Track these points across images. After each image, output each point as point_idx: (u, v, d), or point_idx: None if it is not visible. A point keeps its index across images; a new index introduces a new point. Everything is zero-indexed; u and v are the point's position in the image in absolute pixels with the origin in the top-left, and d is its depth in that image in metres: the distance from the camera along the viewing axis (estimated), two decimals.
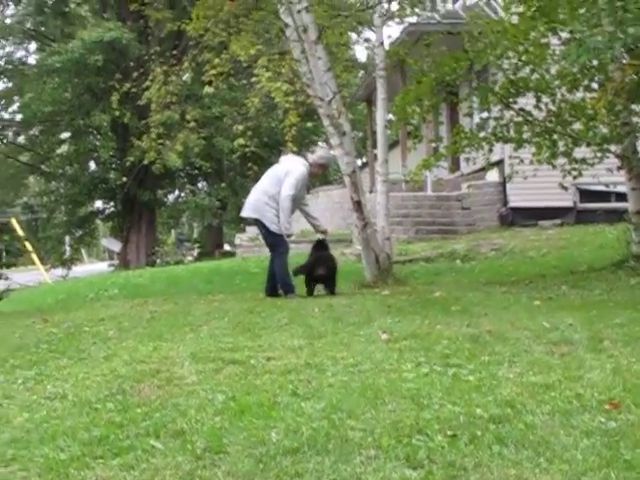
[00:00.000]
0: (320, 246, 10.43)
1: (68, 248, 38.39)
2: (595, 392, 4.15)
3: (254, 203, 10.17)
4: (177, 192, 40.24)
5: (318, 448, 3.47)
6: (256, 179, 13.47)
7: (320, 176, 11.29)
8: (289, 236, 10.29)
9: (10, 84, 33.44)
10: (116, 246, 36.13)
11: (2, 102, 34.09)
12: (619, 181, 13.94)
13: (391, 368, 4.89)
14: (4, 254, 15.69)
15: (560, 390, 4.22)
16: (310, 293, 9.99)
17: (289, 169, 10.10)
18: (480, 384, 4.40)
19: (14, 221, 26.27)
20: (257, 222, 10.25)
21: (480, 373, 4.66)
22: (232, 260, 23.30)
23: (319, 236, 10.57)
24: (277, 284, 10.10)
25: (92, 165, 35.67)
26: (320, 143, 10.86)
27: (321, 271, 10.02)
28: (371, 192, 20.67)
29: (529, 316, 6.84)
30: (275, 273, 10.12)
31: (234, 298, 10.37)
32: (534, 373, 4.62)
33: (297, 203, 10.20)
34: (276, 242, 10.14)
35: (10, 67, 32.87)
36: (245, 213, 10.37)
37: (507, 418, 3.77)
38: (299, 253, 11.45)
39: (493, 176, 19.24)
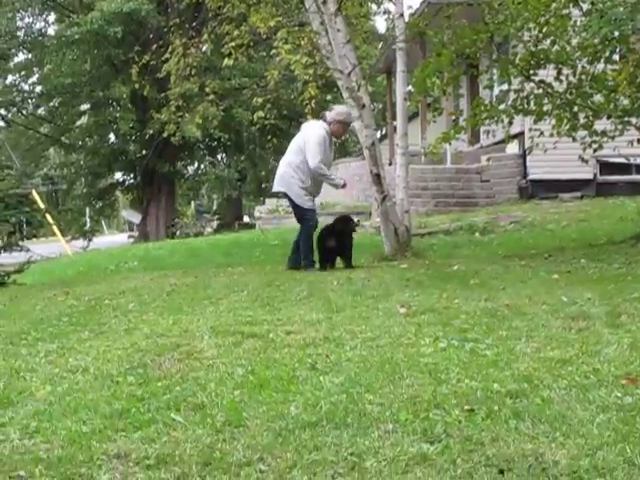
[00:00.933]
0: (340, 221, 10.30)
1: (88, 220, 38.64)
2: (612, 367, 4.17)
3: (281, 176, 10.14)
4: (196, 164, 40.39)
5: (336, 422, 3.51)
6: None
7: (342, 134, 10.88)
8: (343, 186, 10.43)
9: (30, 55, 33.48)
10: (136, 218, 36.38)
11: (22, 74, 34.15)
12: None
13: (409, 342, 4.93)
14: (25, 226, 15.79)
15: (577, 365, 4.24)
16: (323, 267, 9.94)
17: (308, 135, 10.00)
18: (497, 359, 4.42)
19: (35, 193, 26.41)
20: (286, 195, 10.22)
21: (497, 348, 4.68)
22: (251, 232, 23.35)
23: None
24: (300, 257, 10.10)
25: (112, 137, 35.81)
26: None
27: (331, 243, 9.99)
28: (390, 164, 20.63)
29: (547, 290, 6.85)
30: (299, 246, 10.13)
31: (253, 271, 10.41)
32: (551, 348, 4.64)
33: (327, 165, 10.12)
34: (303, 215, 10.11)
35: (29, 38, 32.90)
36: (275, 187, 10.34)
37: (524, 393, 3.79)
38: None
39: (513, 148, 19.15)
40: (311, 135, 9.97)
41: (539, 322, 5.41)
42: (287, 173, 10.03)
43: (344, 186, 10.57)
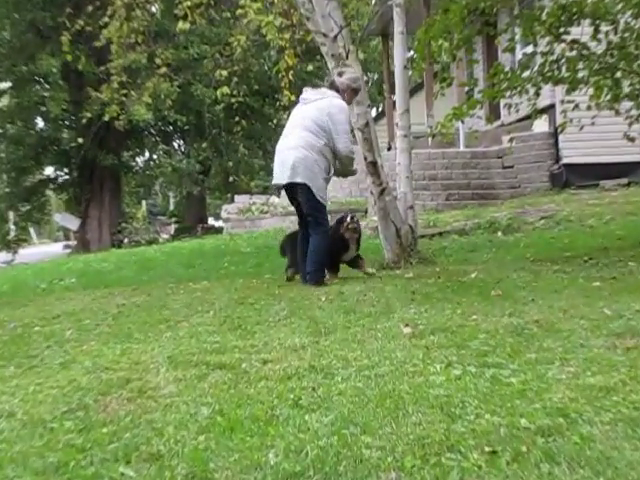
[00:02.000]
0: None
1: (12, 227, 38.53)
2: None
3: (299, 163, 9.63)
4: (147, 154, 40.37)
5: (326, 471, 3.53)
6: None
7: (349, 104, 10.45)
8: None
9: None
10: (73, 223, 36.23)
11: None
12: None
13: (415, 370, 4.95)
14: None
15: (624, 394, 4.27)
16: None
17: (331, 111, 9.66)
18: (525, 388, 4.44)
19: None
20: (297, 188, 9.73)
21: (525, 374, 4.71)
22: (218, 238, 23.39)
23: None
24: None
25: (40, 122, 35.73)
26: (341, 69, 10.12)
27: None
28: (389, 149, 20.72)
29: (586, 301, 6.89)
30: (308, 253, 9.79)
31: (221, 286, 10.43)
32: (592, 373, 4.67)
33: None
34: (321, 217, 9.79)
35: None
36: (285, 178, 9.72)
37: (558, 430, 3.81)
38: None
39: (541, 126, 19.25)
40: (338, 111, 9.68)
41: (576, 341, 5.44)
42: (310, 159, 9.61)
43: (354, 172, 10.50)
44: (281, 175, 9.79)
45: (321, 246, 9.71)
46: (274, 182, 10.16)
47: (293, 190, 9.82)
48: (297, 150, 9.66)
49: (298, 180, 9.63)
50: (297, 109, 10.10)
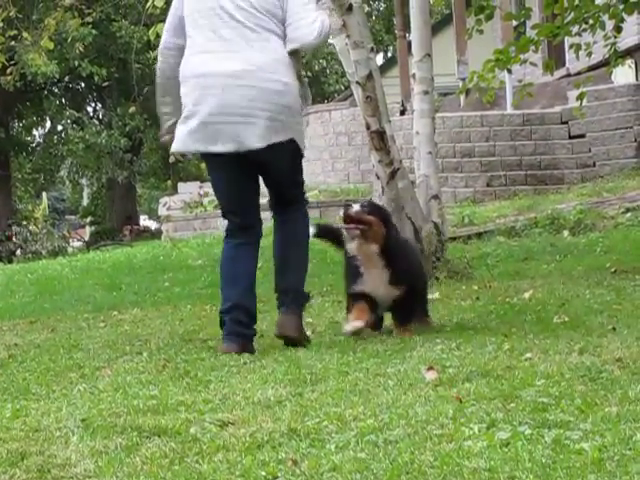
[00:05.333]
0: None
1: None
2: None
3: (284, 102, 7.83)
4: (49, 124, 40.30)
5: None
6: None
7: None
8: None
9: None
10: None
11: None
12: None
13: (443, 433, 4.96)
14: None
15: None
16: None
17: None
18: (602, 457, 4.45)
19: None
20: (269, 153, 7.84)
21: (603, 437, 4.72)
22: (155, 245, 23.42)
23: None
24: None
25: None
26: None
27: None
28: (403, 113, 20.79)
29: None
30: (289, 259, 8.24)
31: (160, 315, 10.48)
32: None
33: None
34: (302, 185, 8.41)
35: None
36: (256, 138, 7.74)
37: None
38: None
39: (625, 76, 19.28)
40: None
41: None
42: (293, 89, 7.89)
43: None
44: (234, 132, 7.85)
45: (308, 237, 8.40)
46: (210, 149, 7.97)
47: (253, 158, 7.94)
48: (272, 74, 7.86)
49: (283, 137, 7.91)
50: None
